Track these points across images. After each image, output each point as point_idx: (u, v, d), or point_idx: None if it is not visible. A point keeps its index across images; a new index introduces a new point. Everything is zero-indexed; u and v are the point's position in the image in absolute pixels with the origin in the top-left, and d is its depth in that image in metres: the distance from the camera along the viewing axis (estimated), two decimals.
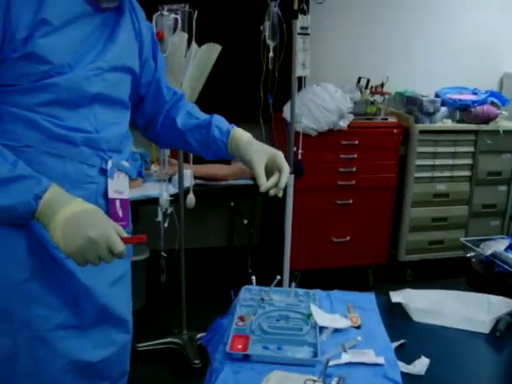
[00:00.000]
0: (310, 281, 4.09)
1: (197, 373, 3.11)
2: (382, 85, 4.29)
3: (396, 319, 1.95)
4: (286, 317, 1.75)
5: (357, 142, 3.97)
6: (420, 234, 4.34)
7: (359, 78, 4.28)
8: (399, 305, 2.03)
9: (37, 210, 1.26)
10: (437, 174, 4.25)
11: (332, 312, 1.83)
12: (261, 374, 1.48)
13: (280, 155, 1.61)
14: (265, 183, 1.56)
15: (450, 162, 4.25)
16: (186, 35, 2.79)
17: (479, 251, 2.84)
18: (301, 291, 1.93)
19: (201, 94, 2.92)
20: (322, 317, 1.75)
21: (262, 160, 1.60)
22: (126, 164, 1.51)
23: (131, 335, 1.67)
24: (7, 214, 1.26)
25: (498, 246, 2.78)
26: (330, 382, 1.45)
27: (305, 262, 4.06)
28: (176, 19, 2.77)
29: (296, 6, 3.16)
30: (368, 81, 4.20)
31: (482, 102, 4.22)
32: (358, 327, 1.75)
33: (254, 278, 2.00)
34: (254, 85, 3.65)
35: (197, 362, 3.15)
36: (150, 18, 2.34)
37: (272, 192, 1.57)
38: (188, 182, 3.30)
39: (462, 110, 4.25)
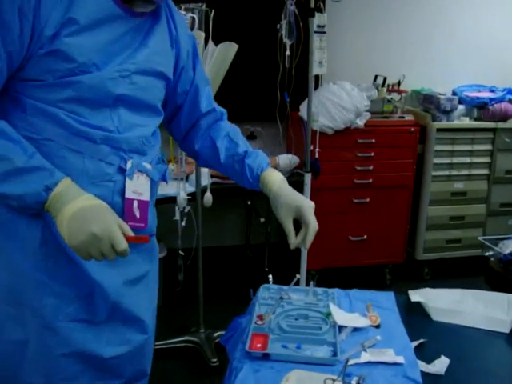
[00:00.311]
0: (326, 279, 4.09)
1: (214, 371, 3.12)
2: (399, 83, 4.27)
3: (415, 318, 1.94)
4: (305, 316, 1.75)
5: (374, 141, 3.96)
6: (437, 233, 4.32)
7: (376, 76, 4.27)
8: (418, 304, 2.01)
9: (47, 202, 1.28)
10: (454, 172, 4.22)
11: (351, 311, 1.82)
12: (280, 372, 1.48)
13: (306, 209, 1.60)
14: (293, 242, 1.61)
15: (468, 160, 4.22)
16: (203, 34, 2.80)
17: (498, 250, 2.82)
18: (319, 290, 1.92)
19: (218, 93, 2.92)
20: (341, 316, 1.74)
21: (288, 216, 1.62)
22: (148, 166, 1.51)
23: (150, 336, 1.67)
24: (18, 202, 1.29)
25: None
26: (349, 381, 1.44)
27: (322, 261, 4.05)
28: (193, 18, 2.78)
29: (313, 5, 3.15)
30: (385, 79, 4.19)
31: (500, 100, 4.19)
32: (378, 326, 1.75)
33: (270, 276, 1.99)
34: (270, 83, 3.66)
35: (214, 360, 3.16)
36: None
37: (300, 247, 1.63)
38: (205, 180, 3.31)
39: (479, 107, 4.22)
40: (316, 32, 3.24)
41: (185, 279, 3.56)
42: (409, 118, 4.11)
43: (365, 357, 1.56)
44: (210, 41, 2.87)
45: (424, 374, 1.53)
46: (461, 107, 4.22)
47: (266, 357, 1.54)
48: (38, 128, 1.34)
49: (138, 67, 1.43)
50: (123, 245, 1.28)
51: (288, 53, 3.38)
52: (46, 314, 1.43)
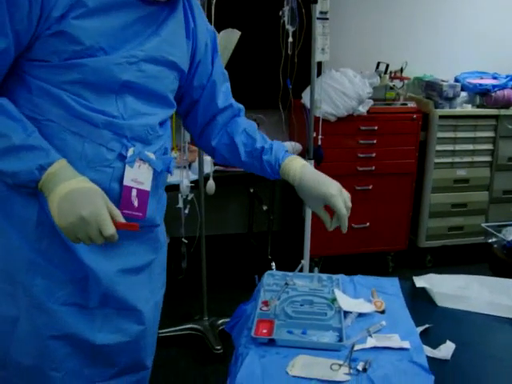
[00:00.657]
0: (329, 267, 4.09)
1: (218, 359, 3.13)
2: (401, 70, 4.27)
3: (420, 304, 1.94)
4: (309, 301, 1.75)
5: (376, 128, 3.96)
6: (440, 220, 4.32)
7: (378, 63, 4.26)
8: (422, 290, 2.01)
9: (40, 181, 1.29)
10: (457, 159, 4.22)
11: (356, 297, 1.82)
12: (286, 358, 1.48)
13: (330, 198, 1.61)
14: (329, 228, 1.65)
15: (470, 147, 4.22)
16: None
17: (501, 237, 2.82)
18: (324, 276, 1.92)
19: None
20: (346, 301, 1.74)
21: (317, 207, 1.66)
22: (152, 156, 1.49)
23: (148, 328, 1.64)
24: (12, 179, 1.31)
25: None
26: (355, 367, 1.44)
27: (324, 248, 4.06)
28: None
29: None
30: (387, 66, 4.18)
31: (503, 87, 4.18)
32: (383, 312, 1.74)
33: (273, 264, 1.99)
34: (273, 70, 3.64)
35: (218, 347, 3.17)
36: None
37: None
38: (208, 168, 3.31)
39: (482, 94, 4.22)
40: (318, 18, 3.22)
41: (188, 267, 3.55)
42: (411, 105, 4.10)
43: (370, 342, 1.56)
44: (213, 28, 2.86)
45: (430, 359, 1.53)
46: (463, 94, 4.21)
47: (271, 342, 1.54)
48: (42, 109, 1.34)
49: (146, 54, 1.41)
50: (110, 230, 1.28)
51: (290, 39, 3.36)
52: (37, 294, 1.43)
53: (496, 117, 4.19)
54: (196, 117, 1.74)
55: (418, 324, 1.72)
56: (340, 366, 1.44)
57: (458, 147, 4.19)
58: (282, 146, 1.72)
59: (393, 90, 4.20)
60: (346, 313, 1.70)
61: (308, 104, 3.48)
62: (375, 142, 3.98)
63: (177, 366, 3.11)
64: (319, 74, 3.46)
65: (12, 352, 1.48)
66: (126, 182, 1.44)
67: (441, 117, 4.08)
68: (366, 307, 1.75)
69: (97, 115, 1.37)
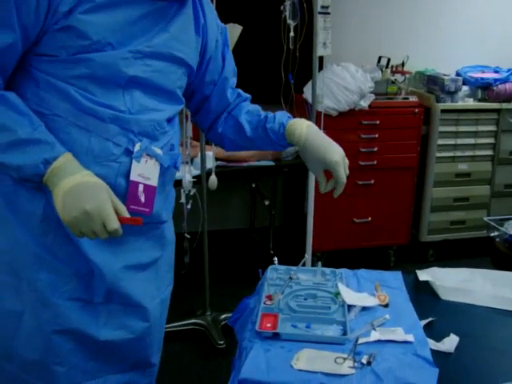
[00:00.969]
0: (331, 261, 4.09)
1: (221, 353, 3.14)
2: (403, 64, 4.26)
3: (423, 297, 1.94)
4: (313, 296, 1.76)
5: (378, 122, 3.95)
6: (442, 214, 4.32)
7: (380, 58, 4.25)
8: (426, 283, 2.01)
9: (45, 175, 1.29)
10: (458, 153, 4.22)
11: (359, 291, 1.82)
12: (291, 351, 1.48)
13: (332, 165, 1.62)
14: (323, 190, 1.67)
15: (472, 141, 4.22)
16: None
17: (503, 230, 2.82)
18: (327, 270, 1.93)
19: None
20: (349, 295, 1.75)
21: (317, 170, 1.67)
22: (159, 151, 1.49)
23: (154, 325, 1.63)
24: (17, 173, 1.31)
25: None
26: (359, 360, 1.45)
27: (326, 243, 4.06)
28: None
29: None
30: (388, 60, 4.17)
31: (504, 81, 4.17)
32: (386, 305, 1.75)
33: (275, 259, 2.00)
34: (274, 65, 3.64)
35: (221, 342, 3.17)
36: None
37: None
38: (210, 163, 3.30)
39: (483, 88, 4.20)
40: (320, 13, 3.22)
41: (190, 262, 3.56)
42: (413, 99, 4.10)
43: (374, 335, 1.57)
44: None
45: (434, 352, 1.53)
46: (465, 88, 4.20)
47: (276, 336, 1.55)
48: (49, 103, 1.34)
49: (152, 50, 1.41)
50: (114, 224, 1.28)
51: (292, 34, 3.36)
52: (41, 288, 1.43)
53: (498, 111, 4.18)
54: (207, 112, 1.75)
55: (421, 317, 1.73)
56: (344, 359, 1.45)
57: (460, 141, 4.19)
58: (286, 114, 1.72)
59: (394, 85, 4.20)
60: (350, 306, 1.70)
61: (310, 99, 3.48)
62: (377, 136, 3.98)
63: (180, 361, 3.11)
64: (321, 68, 3.46)
65: (17, 346, 1.48)
66: (133, 177, 1.44)
67: (442, 111, 4.08)
68: (369, 301, 1.76)
69: (103, 109, 1.37)
